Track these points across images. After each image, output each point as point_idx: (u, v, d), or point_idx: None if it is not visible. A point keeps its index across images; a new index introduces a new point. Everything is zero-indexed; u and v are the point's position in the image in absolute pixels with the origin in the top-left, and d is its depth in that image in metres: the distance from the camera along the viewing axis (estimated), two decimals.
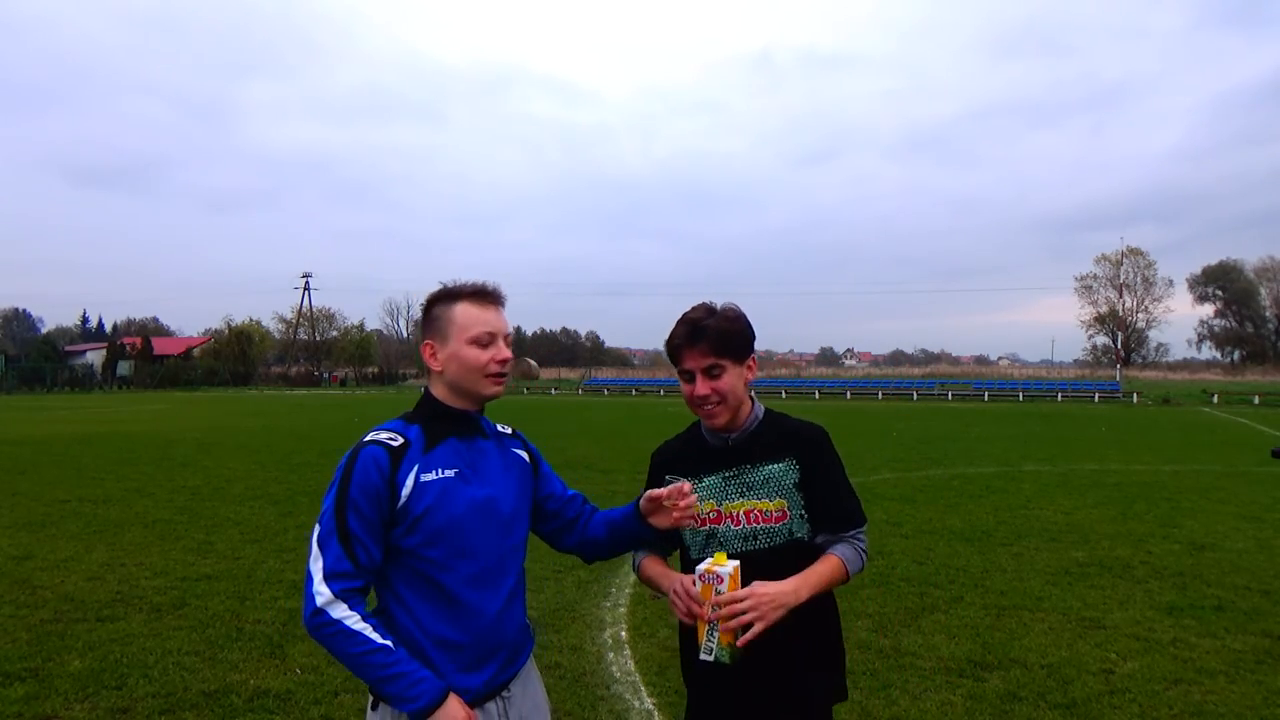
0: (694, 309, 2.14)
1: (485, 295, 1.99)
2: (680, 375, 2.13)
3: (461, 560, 1.90)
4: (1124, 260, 78.93)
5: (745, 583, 1.94)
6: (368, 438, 1.90)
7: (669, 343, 2.13)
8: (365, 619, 1.79)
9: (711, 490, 2.14)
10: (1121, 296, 79.22)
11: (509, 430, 2.17)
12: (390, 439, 1.89)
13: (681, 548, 2.23)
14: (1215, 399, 45.49)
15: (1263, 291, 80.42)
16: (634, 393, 60.40)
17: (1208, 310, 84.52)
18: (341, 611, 1.77)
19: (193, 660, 4.69)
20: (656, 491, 2.08)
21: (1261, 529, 8.56)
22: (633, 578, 6.48)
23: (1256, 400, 43.74)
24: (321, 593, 1.77)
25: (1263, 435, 21.99)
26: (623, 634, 5.18)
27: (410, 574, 1.89)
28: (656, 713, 4.06)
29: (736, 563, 1.96)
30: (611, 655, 4.82)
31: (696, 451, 2.20)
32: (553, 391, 62.78)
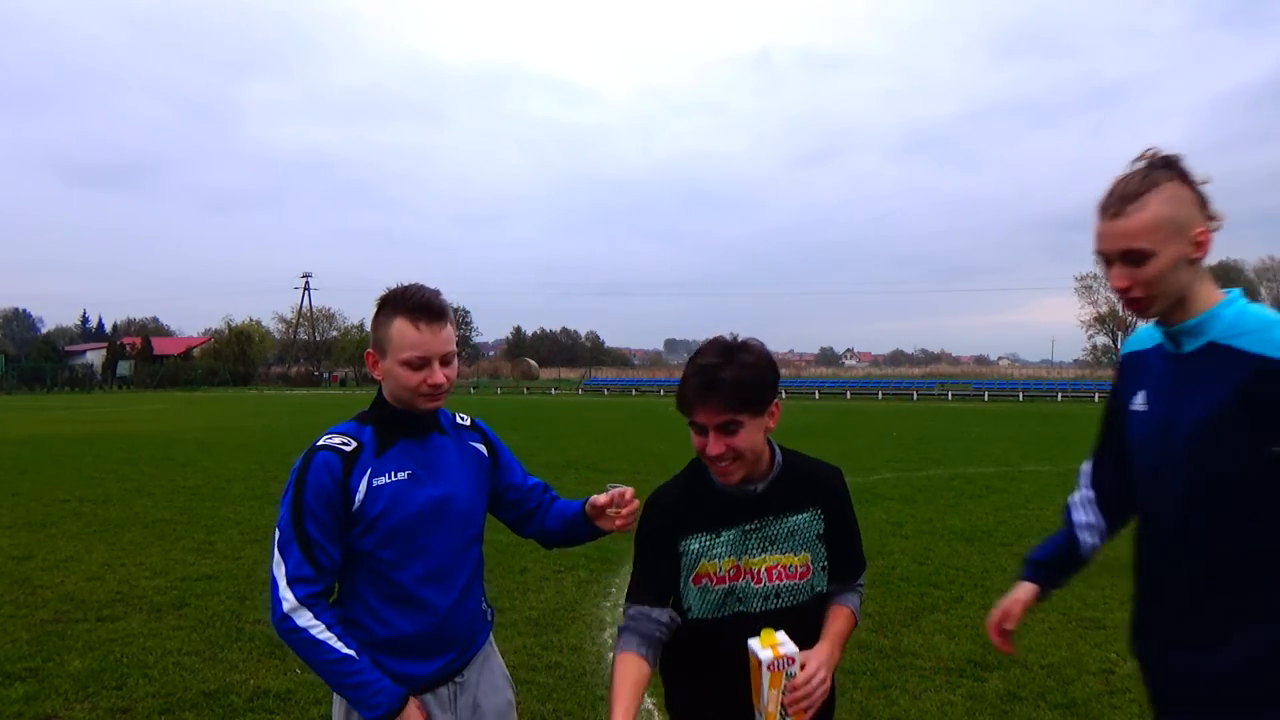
0: (708, 348, 1.87)
1: (423, 313, 1.92)
2: (691, 427, 1.87)
3: (415, 559, 1.94)
4: None
5: None
6: (320, 441, 1.91)
7: (680, 390, 1.87)
8: (330, 627, 1.83)
9: (730, 545, 1.90)
10: None
11: (467, 421, 2.18)
12: (343, 444, 1.91)
13: (681, 606, 1.92)
14: None
15: (1263, 291, 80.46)
16: (634, 393, 60.37)
17: None
18: (306, 620, 1.82)
19: (193, 660, 4.69)
20: (597, 498, 2.13)
21: None
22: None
23: None
24: (286, 598, 1.82)
25: None
26: None
27: (366, 573, 1.93)
28: (656, 713, 4.05)
29: (785, 639, 1.79)
30: (611, 655, 4.81)
31: (710, 503, 1.92)
32: (553, 391, 62.79)
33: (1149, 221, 1.66)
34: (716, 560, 1.90)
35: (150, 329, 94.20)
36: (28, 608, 5.66)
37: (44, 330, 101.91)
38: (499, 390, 64.96)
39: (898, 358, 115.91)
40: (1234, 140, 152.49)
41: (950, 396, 52.83)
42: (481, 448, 2.17)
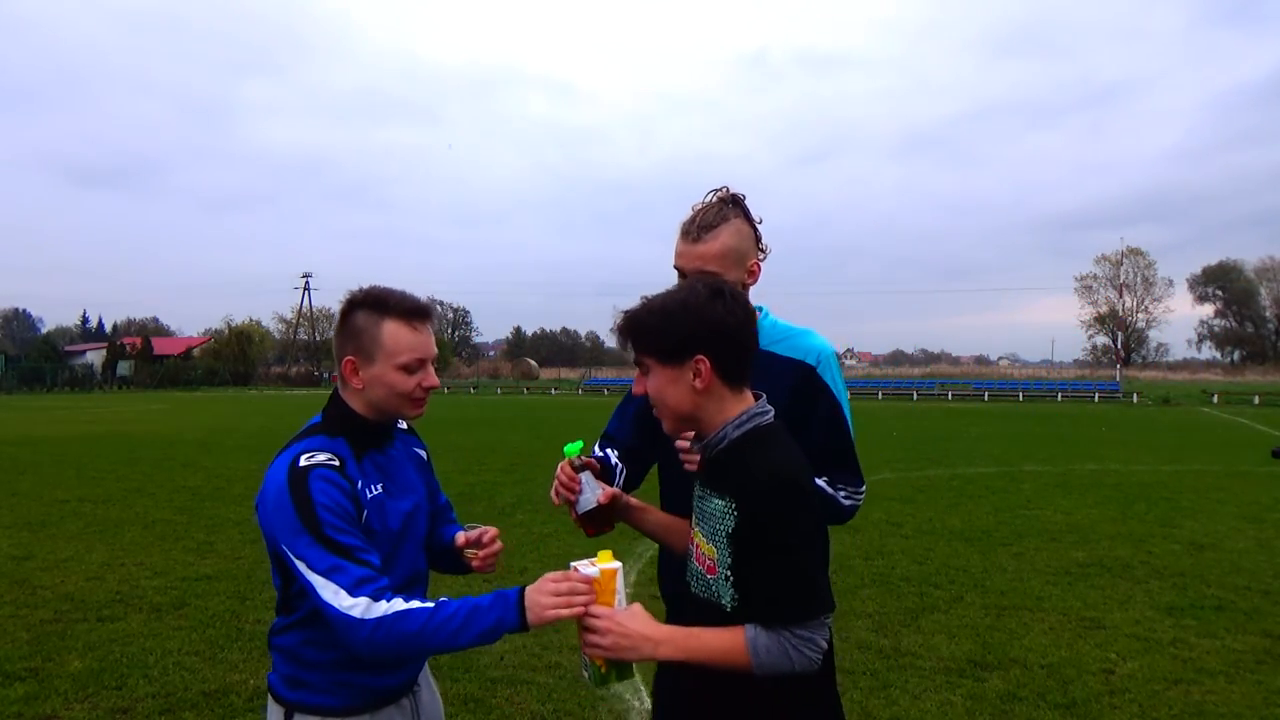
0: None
1: (417, 314, 1.86)
2: None
3: (391, 572, 1.83)
4: (1124, 260, 79.01)
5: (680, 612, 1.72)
6: (302, 462, 1.75)
7: None
8: (406, 600, 1.67)
9: (696, 503, 1.82)
10: (1121, 296, 79.29)
11: (405, 426, 2.09)
12: (330, 460, 1.78)
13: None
14: (1215, 399, 45.49)
15: (1263, 291, 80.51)
16: None
17: (1208, 310, 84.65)
18: (380, 608, 1.63)
19: (193, 660, 4.69)
20: (460, 538, 2.05)
21: (1261, 529, 8.56)
22: (633, 577, 6.48)
23: (1256, 400, 43.73)
24: (354, 606, 1.63)
25: (1263, 435, 21.99)
26: None
27: None
28: None
29: (616, 565, 1.68)
30: None
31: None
32: (553, 391, 62.78)
33: (719, 250, 2.01)
34: (692, 514, 1.83)
35: (150, 329, 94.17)
36: (28, 608, 5.66)
37: (44, 330, 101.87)
38: (499, 390, 64.96)
39: (898, 358, 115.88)
40: (1233, 140, 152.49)
41: (950, 396, 52.82)
42: (423, 452, 2.14)
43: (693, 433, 1.83)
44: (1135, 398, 47.81)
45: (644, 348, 1.73)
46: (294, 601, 1.82)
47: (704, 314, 1.68)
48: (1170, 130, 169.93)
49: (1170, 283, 79.89)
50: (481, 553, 2.02)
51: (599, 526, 1.95)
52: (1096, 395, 50.17)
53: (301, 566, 1.68)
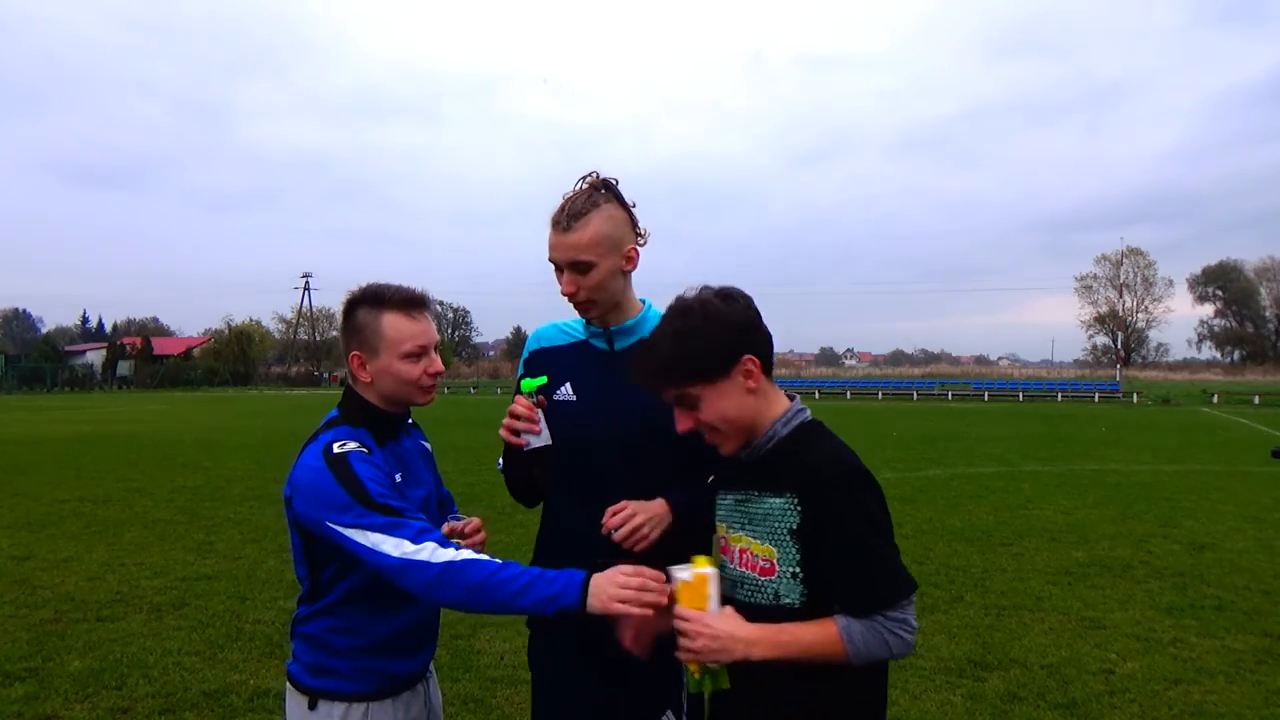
0: (666, 312, 1.73)
1: (414, 304, 1.92)
2: None
3: None
4: (1124, 260, 78.98)
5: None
6: (337, 449, 1.81)
7: None
8: (477, 551, 1.72)
9: (727, 511, 1.79)
10: (1121, 296, 79.27)
11: (410, 420, 2.15)
12: (361, 447, 1.84)
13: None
14: (1215, 399, 45.48)
15: (1263, 291, 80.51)
16: None
17: (1208, 310, 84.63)
18: (448, 553, 1.66)
19: (193, 660, 4.69)
20: (446, 526, 2.07)
21: (1261, 529, 8.56)
22: None
23: (1256, 400, 43.73)
24: (423, 548, 1.67)
25: (1263, 435, 21.99)
26: None
27: (356, 577, 1.86)
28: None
29: (711, 570, 1.65)
30: None
31: (730, 460, 1.80)
32: None
33: (591, 238, 1.93)
34: (721, 523, 1.81)
35: (150, 329, 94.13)
36: (28, 608, 5.66)
37: (44, 330, 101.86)
38: (499, 390, 64.94)
39: (898, 358, 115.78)
40: (1232, 140, 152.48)
41: (950, 396, 52.81)
42: (428, 445, 2.19)
43: (622, 512, 1.85)
44: (1135, 398, 47.81)
45: (686, 377, 1.66)
46: (322, 589, 1.90)
47: (731, 317, 1.67)
48: (1169, 130, 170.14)
49: (1170, 283, 79.92)
50: (465, 543, 2.01)
51: (543, 469, 1.97)
52: (1096, 395, 50.17)
53: (356, 535, 1.71)
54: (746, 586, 1.71)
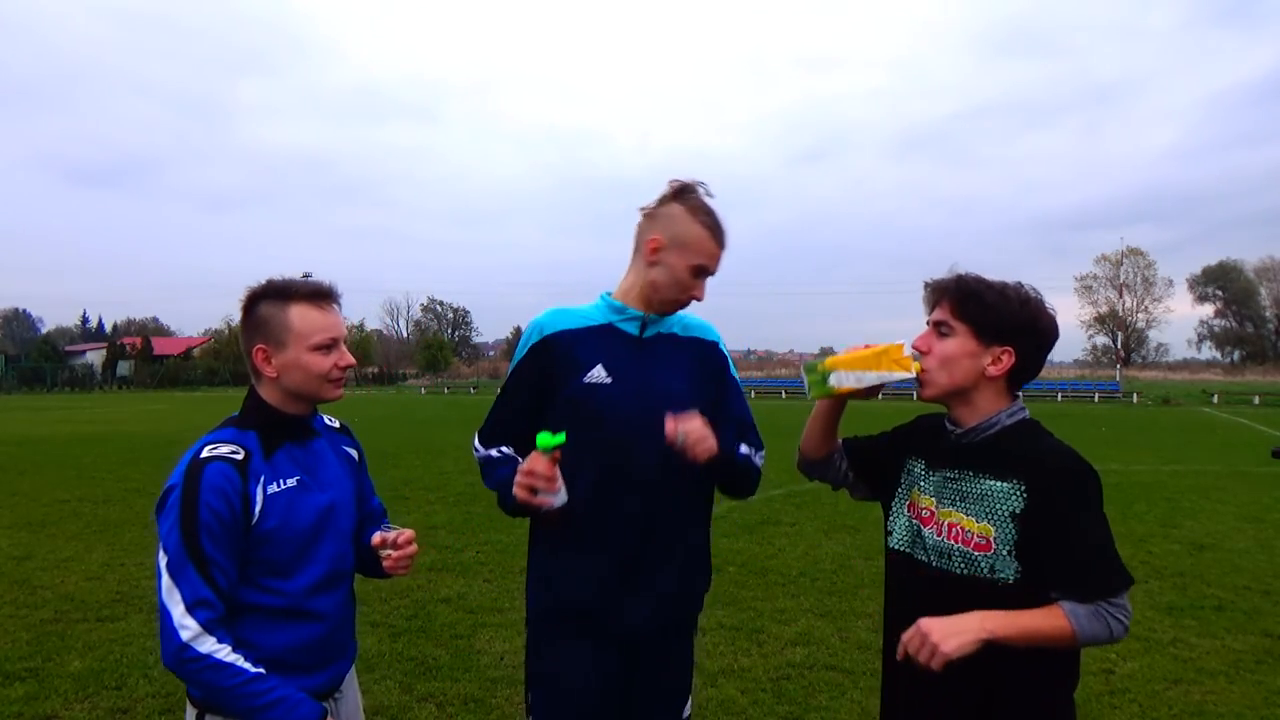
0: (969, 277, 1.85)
1: (323, 296, 1.89)
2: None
3: (306, 569, 1.86)
4: (1124, 260, 79.02)
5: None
6: (204, 453, 1.78)
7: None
8: (235, 649, 1.71)
9: (935, 486, 1.86)
10: (1121, 296, 79.31)
11: (338, 425, 2.10)
12: (233, 452, 1.79)
13: (886, 525, 2.00)
14: (1215, 399, 45.49)
15: (1263, 291, 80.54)
16: None
17: (1208, 310, 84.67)
18: (210, 645, 1.68)
19: None
20: (376, 538, 2.03)
21: (1261, 529, 8.56)
22: None
23: (1256, 400, 43.73)
24: (186, 626, 1.68)
25: (1263, 435, 21.99)
26: None
27: (254, 590, 1.82)
28: None
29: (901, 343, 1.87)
30: None
31: (942, 440, 1.90)
32: None
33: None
34: (923, 494, 1.88)
35: (150, 329, 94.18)
36: (28, 608, 5.66)
37: (44, 330, 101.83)
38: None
39: None
40: (1231, 139, 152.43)
41: None
42: (353, 451, 2.12)
43: (687, 425, 1.94)
44: (1135, 398, 47.81)
45: (966, 314, 1.78)
46: None
47: (1036, 314, 1.78)
48: (1169, 129, 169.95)
49: (1170, 283, 79.99)
50: (395, 554, 2.00)
51: (554, 517, 2.01)
52: (1096, 395, 50.18)
53: (161, 557, 1.74)
54: (957, 559, 1.78)
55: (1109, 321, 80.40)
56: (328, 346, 1.87)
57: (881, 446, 2.06)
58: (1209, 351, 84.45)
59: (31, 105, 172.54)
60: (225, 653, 1.69)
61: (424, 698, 4.19)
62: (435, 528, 8.23)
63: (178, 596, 1.69)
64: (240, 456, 1.79)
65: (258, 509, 1.78)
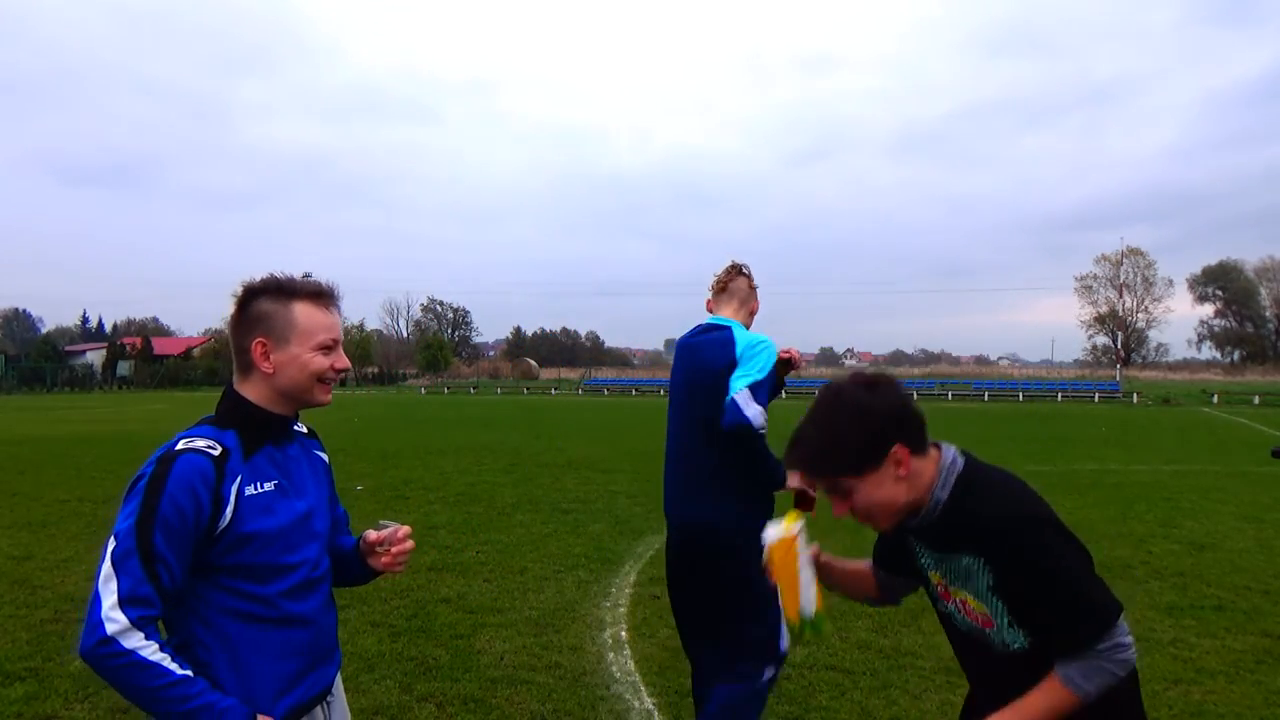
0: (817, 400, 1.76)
1: (325, 296, 1.86)
2: None
3: (282, 575, 1.79)
4: (1124, 260, 79.05)
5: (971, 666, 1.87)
6: (180, 445, 1.72)
7: None
8: (162, 648, 1.61)
9: (934, 563, 1.85)
10: (1121, 296, 79.33)
11: (306, 430, 2.04)
12: (209, 447, 1.73)
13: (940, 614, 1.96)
14: (1215, 399, 45.49)
15: (1263, 291, 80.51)
16: (634, 393, 60.36)
17: (1208, 310, 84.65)
18: (136, 641, 1.58)
19: None
20: (373, 535, 1.99)
21: (1261, 529, 8.56)
22: (633, 577, 6.48)
23: (1256, 400, 43.74)
24: (114, 619, 1.58)
25: (1263, 435, 21.99)
26: (623, 634, 5.18)
27: (228, 595, 1.74)
28: (656, 713, 4.06)
29: (798, 526, 1.85)
30: (611, 655, 4.82)
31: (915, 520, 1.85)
32: (553, 391, 62.79)
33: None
34: (934, 572, 1.86)
35: (150, 329, 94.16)
36: (28, 608, 5.66)
37: (44, 330, 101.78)
38: (499, 390, 64.96)
39: (898, 358, 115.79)
40: (1230, 139, 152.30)
41: (950, 396, 52.82)
42: (324, 456, 2.07)
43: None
44: (1135, 398, 47.82)
45: (836, 469, 1.70)
46: None
47: (878, 408, 1.70)
48: (1168, 129, 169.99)
49: (1170, 283, 79.99)
50: (395, 549, 1.97)
51: None
52: (1096, 395, 50.18)
53: (109, 543, 1.67)
54: (977, 638, 1.80)
55: (1109, 321, 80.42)
56: (328, 347, 1.85)
57: (892, 541, 1.99)
58: (1209, 351, 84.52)
59: (32, 104, 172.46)
60: (152, 650, 1.59)
61: (424, 698, 4.19)
62: (435, 528, 8.22)
63: (113, 586, 1.62)
64: (217, 452, 1.73)
65: (229, 510, 1.71)
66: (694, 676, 3.35)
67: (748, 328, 3.32)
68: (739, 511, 3.06)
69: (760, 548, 1.95)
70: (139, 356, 70.09)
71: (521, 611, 5.60)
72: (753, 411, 2.93)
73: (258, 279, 1.85)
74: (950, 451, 1.78)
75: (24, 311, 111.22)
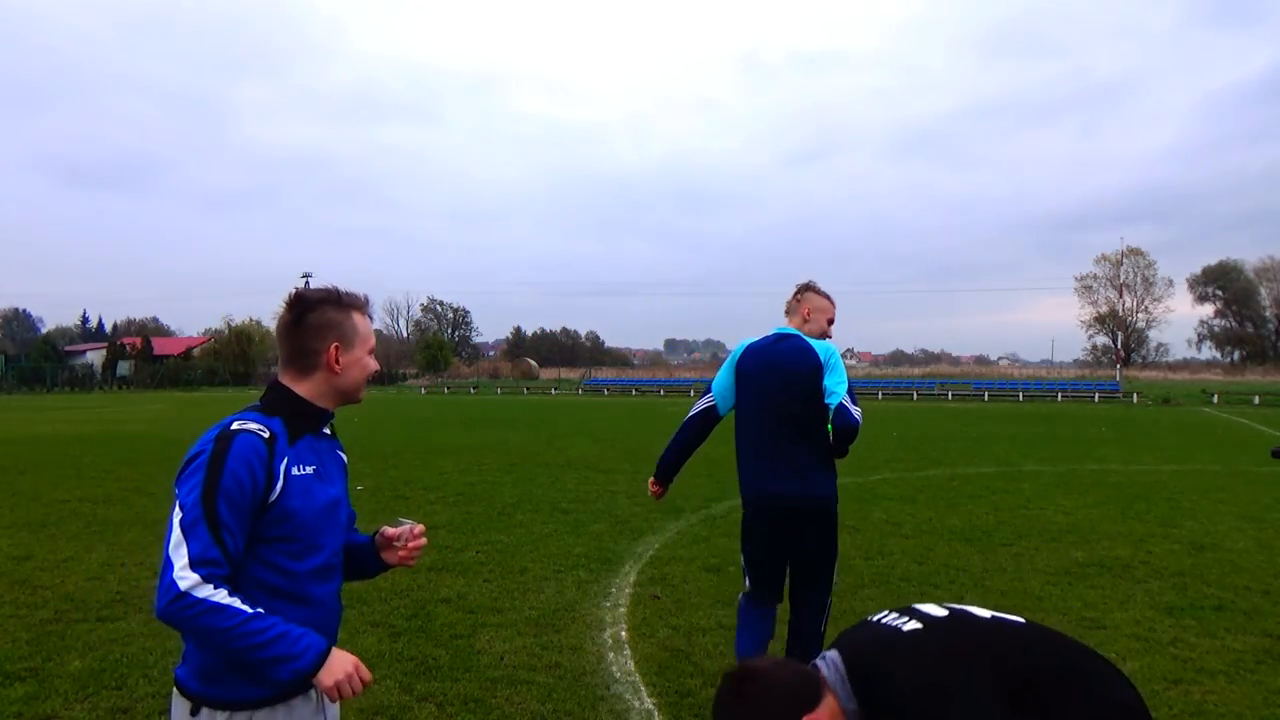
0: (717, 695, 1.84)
1: (369, 308, 2.13)
2: None
3: (311, 555, 1.96)
4: (1124, 260, 79.03)
5: None
6: (235, 425, 1.88)
7: None
8: (232, 594, 1.77)
9: None
10: (1121, 296, 79.31)
11: (329, 431, 2.20)
12: (260, 429, 1.89)
13: None
14: (1215, 399, 45.49)
15: (1263, 291, 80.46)
16: (634, 393, 60.37)
17: (1208, 310, 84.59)
18: (208, 591, 1.73)
19: None
20: (388, 530, 2.21)
21: (1261, 529, 8.56)
22: (633, 577, 6.48)
23: (1256, 400, 43.75)
24: (186, 577, 1.73)
25: (1263, 435, 21.99)
26: (623, 634, 5.18)
27: (260, 566, 1.89)
28: (656, 713, 4.06)
29: None
30: (611, 655, 4.82)
31: None
32: (553, 391, 62.78)
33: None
34: None
35: (150, 329, 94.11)
36: (28, 608, 5.66)
37: (44, 330, 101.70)
38: (499, 390, 64.96)
39: (898, 358, 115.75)
40: (1229, 139, 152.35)
41: (950, 396, 52.83)
42: (344, 455, 2.23)
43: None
44: (1135, 398, 47.83)
45: None
46: None
47: (771, 701, 1.74)
48: (1168, 129, 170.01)
49: (1170, 283, 79.97)
50: (412, 544, 2.19)
51: None
52: (1096, 395, 50.18)
53: (176, 513, 1.81)
54: None
55: (1109, 321, 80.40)
56: (372, 352, 2.12)
57: None
58: (1209, 351, 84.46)
59: (32, 105, 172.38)
60: (223, 595, 1.74)
61: (424, 698, 4.19)
62: (435, 528, 8.22)
63: (184, 551, 1.76)
64: (267, 435, 1.90)
65: (279, 486, 1.88)
66: (766, 605, 4.05)
67: (811, 335, 4.04)
68: (834, 486, 3.98)
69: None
70: (139, 356, 70.10)
71: (521, 611, 5.60)
72: (858, 414, 3.80)
73: (314, 289, 2.08)
74: (826, 665, 1.81)
75: (24, 311, 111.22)
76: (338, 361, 2.02)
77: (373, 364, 2.11)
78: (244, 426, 1.88)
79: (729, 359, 4.20)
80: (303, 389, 2.02)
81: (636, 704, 4.15)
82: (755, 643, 3.96)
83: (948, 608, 1.94)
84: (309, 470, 1.96)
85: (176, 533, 1.78)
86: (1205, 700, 4.19)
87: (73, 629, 5.21)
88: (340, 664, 1.83)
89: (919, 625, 1.84)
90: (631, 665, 4.66)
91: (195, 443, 1.90)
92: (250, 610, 1.76)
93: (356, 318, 2.07)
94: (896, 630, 1.84)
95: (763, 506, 3.96)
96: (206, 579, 1.74)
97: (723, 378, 4.12)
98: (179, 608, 1.73)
